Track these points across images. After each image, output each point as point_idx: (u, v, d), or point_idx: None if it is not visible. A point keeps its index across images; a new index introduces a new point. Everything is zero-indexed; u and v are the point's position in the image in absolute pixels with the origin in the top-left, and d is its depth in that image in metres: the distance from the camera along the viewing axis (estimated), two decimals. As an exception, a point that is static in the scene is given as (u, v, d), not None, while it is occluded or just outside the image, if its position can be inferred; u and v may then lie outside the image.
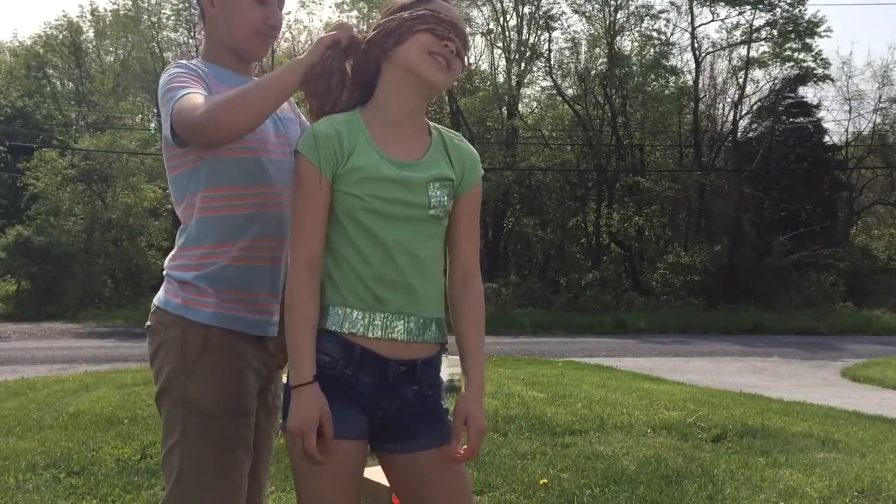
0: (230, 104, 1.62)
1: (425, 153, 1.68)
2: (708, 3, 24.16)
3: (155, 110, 25.19)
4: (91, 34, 30.81)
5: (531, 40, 25.22)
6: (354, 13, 24.99)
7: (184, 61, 1.86)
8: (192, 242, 1.82)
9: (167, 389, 1.77)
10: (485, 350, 1.74)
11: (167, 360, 1.77)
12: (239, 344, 1.80)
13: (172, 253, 1.87)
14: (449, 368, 4.01)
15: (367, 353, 1.59)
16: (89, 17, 30.54)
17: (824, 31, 24.10)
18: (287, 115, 1.96)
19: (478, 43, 26.70)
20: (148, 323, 1.84)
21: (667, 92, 25.14)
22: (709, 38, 32.89)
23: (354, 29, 1.72)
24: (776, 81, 25.04)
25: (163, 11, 25.96)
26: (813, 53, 24.42)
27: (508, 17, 25.00)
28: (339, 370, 1.59)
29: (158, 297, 1.84)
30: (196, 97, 1.67)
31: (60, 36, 30.26)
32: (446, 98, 23.18)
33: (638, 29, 25.37)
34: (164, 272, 1.87)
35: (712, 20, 27.10)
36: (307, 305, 1.59)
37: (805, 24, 23.97)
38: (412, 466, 1.66)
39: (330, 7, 49.43)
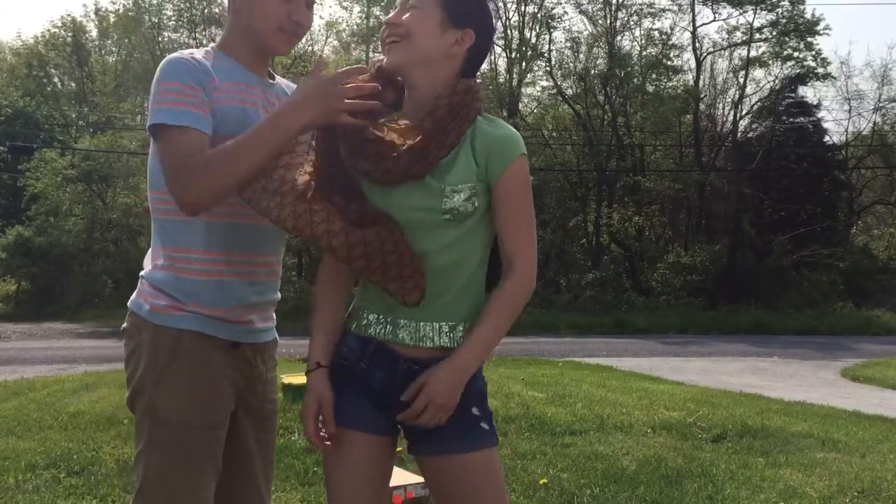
0: (207, 179, 1.59)
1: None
2: (710, 4, 24.19)
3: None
4: (94, 34, 30.82)
5: (532, 40, 25.25)
6: (357, 10, 25.00)
7: (186, 56, 1.75)
8: (167, 243, 1.76)
9: (137, 395, 1.74)
10: (494, 343, 1.65)
11: (138, 365, 1.73)
12: (211, 351, 1.74)
13: (149, 252, 1.82)
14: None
15: (381, 349, 1.63)
16: (93, 16, 30.57)
17: (823, 29, 24.13)
18: None
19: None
20: (124, 325, 1.80)
21: (670, 92, 25.13)
22: (710, 38, 32.93)
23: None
24: (776, 81, 25.06)
25: (164, 12, 25.97)
26: (813, 52, 24.45)
27: (511, 15, 25.03)
28: (354, 362, 1.65)
29: (132, 300, 1.80)
30: (185, 146, 1.63)
31: (63, 35, 30.23)
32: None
33: (639, 27, 25.44)
34: (140, 273, 1.82)
35: (714, 20, 27.15)
36: (323, 293, 1.71)
37: (804, 23, 23.99)
38: (440, 470, 1.64)
39: (331, 6, 49.37)
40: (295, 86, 1.93)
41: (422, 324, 1.61)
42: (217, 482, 1.76)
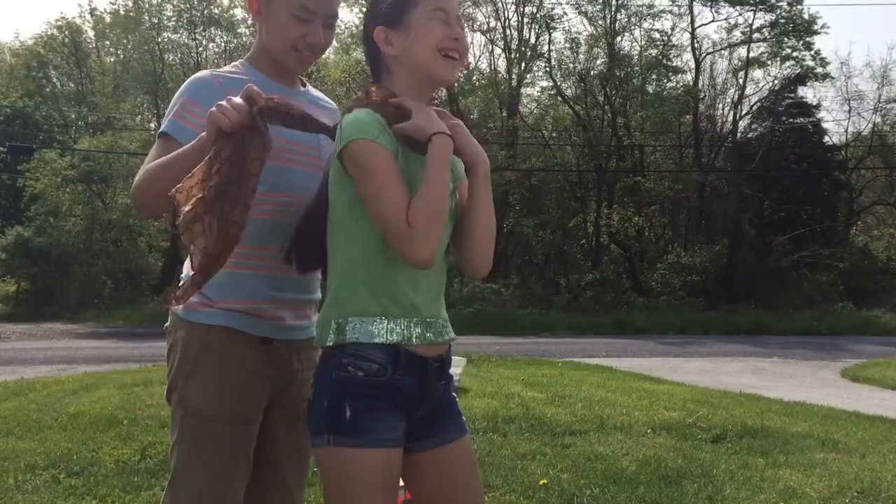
0: (136, 191, 1.73)
1: None
2: (709, 4, 24.21)
3: (155, 111, 25.19)
4: (91, 34, 30.81)
5: (532, 40, 25.28)
6: (356, 10, 25.00)
7: (207, 76, 1.84)
8: None
9: (171, 389, 1.81)
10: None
11: (174, 360, 1.81)
12: (241, 347, 1.78)
13: (188, 258, 1.89)
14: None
15: (410, 355, 1.59)
16: (88, 17, 30.58)
17: (820, 27, 24.17)
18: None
19: (478, 41, 26.75)
20: (166, 324, 1.88)
21: (670, 93, 25.15)
22: (709, 39, 32.97)
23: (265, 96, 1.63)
24: (776, 81, 25.09)
25: (164, 13, 25.96)
26: (812, 52, 24.49)
27: (510, 14, 25.06)
28: (389, 376, 1.57)
29: None
30: (152, 155, 1.76)
31: (61, 36, 30.23)
32: (446, 98, 23.22)
33: (638, 28, 25.46)
34: (181, 276, 1.89)
35: (713, 20, 27.22)
36: None
37: (802, 23, 24.02)
38: (437, 462, 1.66)
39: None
40: (320, 94, 2.05)
41: (439, 321, 1.65)
42: (248, 478, 1.80)
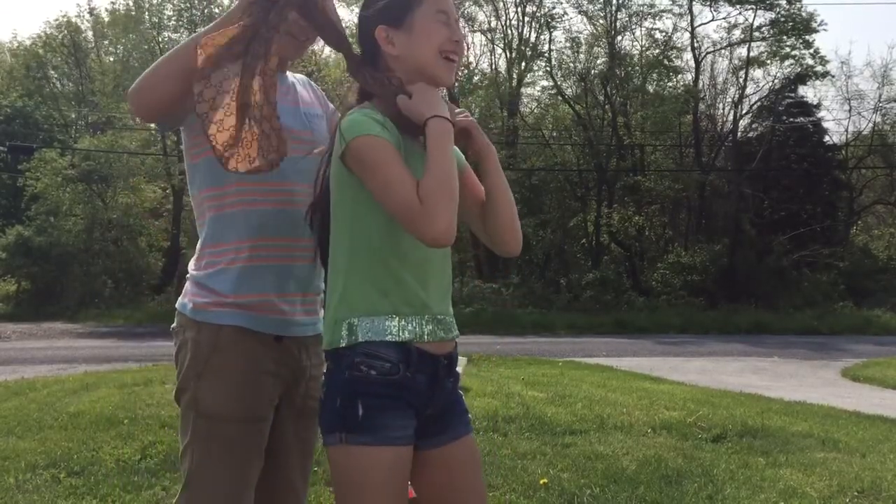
0: (139, 83, 1.70)
1: None
2: (709, 3, 24.20)
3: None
4: (90, 34, 30.75)
5: (532, 39, 25.27)
6: (356, 10, 24.98)
7: None
8: (206, 241, 1.84)
9: (182, 390, 1.80)
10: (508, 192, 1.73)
11: (184, 361, 1.79)
12: (252, 346, 1.77)
13: (194, 256, 1.89)
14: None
15: (422, 353, 1.60)
16: (87, 16, 30.52)
17: (819, 25, 24.13)
18: (314, 111, 1.93)
19: (479, 41, 26.74)
20: (173, 325, 1.87)
21: (671, 92, 25.13)
22: (709, 38, 32.96)
23: None
24: (776, 81, 25.08)
25: (164, 12, 25.93)
26: (811, 51, 24.48)
27: (511, 14, 25.05)
28: (402, 374, 1.57)
29: (178, 301, 1.87)
30: None
31: (60, 36, 30.20)
32: (447, 98, 23.19)
33: (639, 28, 25.45)
34: (186, 275, 1.88)
35: (712, 20, 27.21)
36: None
37: (801, 21, 24.00)
38: (443, 460, 1.67)
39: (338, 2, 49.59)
40: (303, 77, 2.04)
41: (448, 317, 1.66)
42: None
